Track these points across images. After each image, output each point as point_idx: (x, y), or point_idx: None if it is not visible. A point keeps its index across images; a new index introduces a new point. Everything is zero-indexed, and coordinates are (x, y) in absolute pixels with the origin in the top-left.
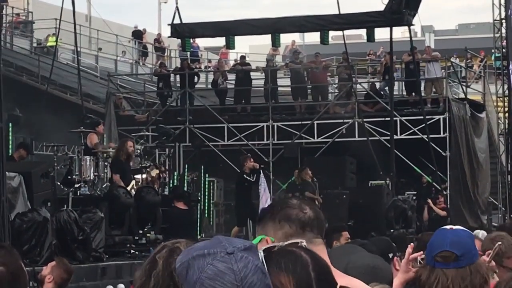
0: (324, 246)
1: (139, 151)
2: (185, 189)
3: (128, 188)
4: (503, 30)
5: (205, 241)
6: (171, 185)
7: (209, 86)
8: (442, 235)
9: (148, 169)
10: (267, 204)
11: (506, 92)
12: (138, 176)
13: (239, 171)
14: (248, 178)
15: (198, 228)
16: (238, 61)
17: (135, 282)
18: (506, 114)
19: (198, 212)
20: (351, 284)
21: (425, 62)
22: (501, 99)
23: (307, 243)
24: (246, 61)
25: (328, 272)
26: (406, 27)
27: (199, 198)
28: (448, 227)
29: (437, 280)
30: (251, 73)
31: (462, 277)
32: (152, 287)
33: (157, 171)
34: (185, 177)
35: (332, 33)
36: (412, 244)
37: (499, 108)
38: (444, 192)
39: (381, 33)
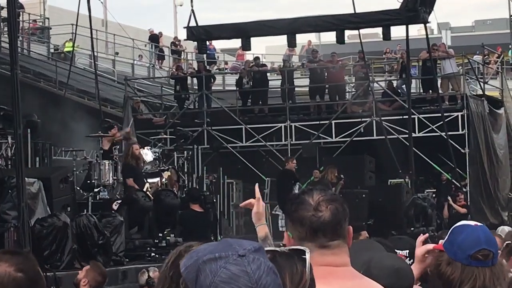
0: (343, 246)
1: (157, 154)
2: (201, 191)
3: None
4: None
5: (213, 244)
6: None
7: (227, 88)
8: (473, 233)
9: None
10: None
11: None
12: (154, 180)
13: (284, 168)
14: (296, 175)
15: (218, 230)
16: (253, 63)
17: None
18: None
19: (218, 214)
20: (358, 285)
21: (441, 60)
22: None
23: (318, 249)
24: (262, 62)
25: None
26: (422, 25)
27: (214, 200)
28: (472, 223)
29: (473, 278)
30: (268, 74)
31: (496, 275)
32: None
33: (169, 173)
34: (204, 179)
35: (348, 32)
36: (426, 234)
37: None
38: (464, 189)
39: (397, 31)
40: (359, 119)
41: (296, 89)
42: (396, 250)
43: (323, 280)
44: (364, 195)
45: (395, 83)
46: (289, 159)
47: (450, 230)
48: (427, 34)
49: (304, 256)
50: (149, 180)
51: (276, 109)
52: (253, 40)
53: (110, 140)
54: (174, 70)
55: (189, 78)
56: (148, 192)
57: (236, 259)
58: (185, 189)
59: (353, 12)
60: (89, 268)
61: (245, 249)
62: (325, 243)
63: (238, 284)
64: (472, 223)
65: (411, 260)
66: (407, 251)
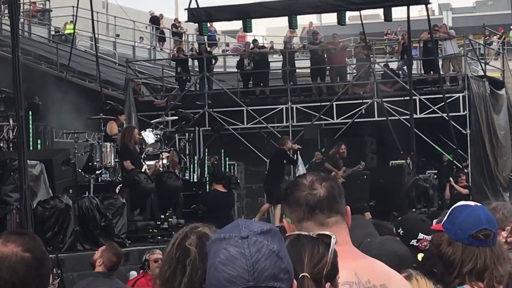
0: (341, 223)
1: (158, 136)
2: (225, 172)
3: None
4: None
5: (228, 225)
6: (192, 170)
7: (228, 70)
8: (473, 213)
9: (168, 154)
10: None
11: None
12: (151, 162)
13: (278, 148)
14: (291, 155)
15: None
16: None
17: (161, 271)
18: None
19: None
20: (363, 265)
21: (442, 41)
22: None
23: (318, 226)
24: (261, 44)
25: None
26: (424, 6)
27: (238, 181)
28: (471, 203)
29: (474, 258)
30: (269, 56)
31: (496, 255)
32: (188, 274)
33: (168, 154)
34: (205, 161)
35: (349, 14)
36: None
37: None
38: (465, 170)
39: (398, 12)
40: (360, 101)
41: (297, 70)
42: (421, 234)
43: None
44: (365, 176)
45: (396, 65)
46: (285, 139)
47: (449, 210)
48: (428, 15)
49: (328, 241)
50: (149, 162)
51: (277, 90)
52: (254, 21)
53: (114, 130)
54: (175, 52)
55: (190, 60)
56: None
57: (237, 240)
58: (186, 171)
59: None
60: (105, 249)
61: (250, 231)
62: (324, 220)
63: (234, 266)
64: (472, 203)
65: None
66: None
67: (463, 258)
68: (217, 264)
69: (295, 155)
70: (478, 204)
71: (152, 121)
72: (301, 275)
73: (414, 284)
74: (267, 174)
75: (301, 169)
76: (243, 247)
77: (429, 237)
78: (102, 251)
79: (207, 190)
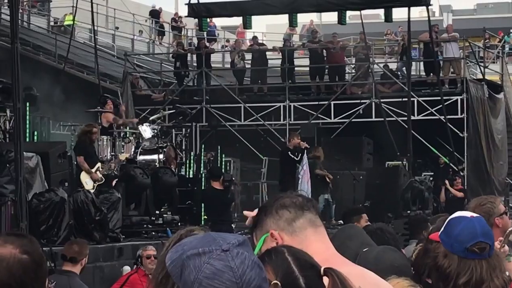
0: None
1: (155, 131)
2: (222, 169)
3: (93, 170)
4: None
5: (196, 238)
6: (187, 166)
7: (226, 66)
8: (470, 225)
9: (165, 149)
10: (308, 184)
11: None
12: (152, 157)
13: (282, 147)
14: (293, 156)
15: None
16: (252, 42)
17: (155, 273)
18: None
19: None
20: (353, 272)
21: (444, 42)
22: None
23: (309, 225)
24: (261, 41)
25: (306, 255)
26: (424, 7)
27: (233, 179)
28: (468, 214)
29: (470, 270)
30: (268, 53)
31: (492, 267)
32: None
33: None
34: (202, 157)
35: (349, 13)
36: None
37: None
38: (461, 173)
39: (398, 13)
40: (359, 101)
41: (296, 69)
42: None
43: None
44: (361, 177)
45: (395, 65)
46: (294, 135)
47: (446, 222)
48: (428, 17)
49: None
50: (147, 157)
51: (276, 88)
52: (254, 18)
53: (110, 118)
54: (175, 46)
55: (189, 55)
56: (98, 172)
57: (220, 254)
58: (182, 167)
59: None
60: None
61: (229, 243)
62: (313, 218)
63: (222, 279)
64: (468, 214)
65: None
66: None
67: (459, 270)
68: (202, 279)
69: (301, 154)
70: (475, 215)
71: (150, 118)
72: (272, 282)
73: None
74: (280, 175)
75: (305, 168)
76: (228, 260)
77: None
78: None
79: (202, 187)
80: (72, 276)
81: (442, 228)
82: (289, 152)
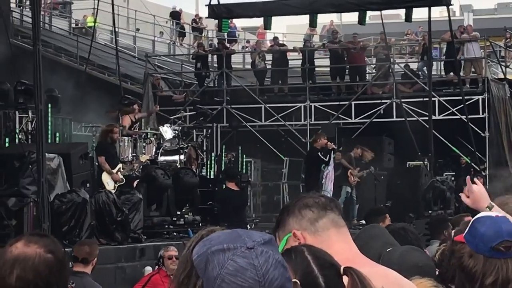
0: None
1: (176, 132)
2: (238, 170)
3: (114, 171)
4: None
5: (223, 234)
6: (208, 166)
7: (247, 67)
8: (494, 224)
9: (186, 150)
10: (332, 185)
11: None
12: (173, 158)
13: (310, 147)
14: (322, 157)
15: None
16: (273, 43)
17: (177, 273)
18: None
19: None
20: (376, 272)
21: (465, 42)
22: None
23: (332, 225)
24: (282, 42)
25: (326, 254)
26: (445, 7)
27: (250, 179)
28: (493, 214)
29: (496, 270)
30: (289, 54)
31: None
32: None
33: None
34: (223, 157)
35: (369, 13)
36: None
37: None
38: (483, 173)
39: (419, 13)
40: (379, 101)
41: (317, 69)
42: None
43: None
44: (382, 177)
45: (415, 65)
46: (320, 135)
47: (470, 222)
48: (449, 16)
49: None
50: (169, 158)
51: (296, 88)
52: (274, 19)
53: (130, 118)
54: (195, 47)
55: (210, 56)
56: (119, 173)
57: (244, 251)
58: (203, 167)
59: None
60: None
61: (254, 241)
62: (336, 218)
63: (244, 277)
64: (493, 214)
65: None
66: None
67: (485, 270)
68: (225, 276)
69: (328, 155)
70: (500, 214)
71: (171, 117)
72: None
73: None
74: (305, 176)
75: (330, 169)
76: (252, 258)
77: None
78: None
79: (219, 188)
80: (85, 277)
81: (467, 229)
82: (319, 153)
